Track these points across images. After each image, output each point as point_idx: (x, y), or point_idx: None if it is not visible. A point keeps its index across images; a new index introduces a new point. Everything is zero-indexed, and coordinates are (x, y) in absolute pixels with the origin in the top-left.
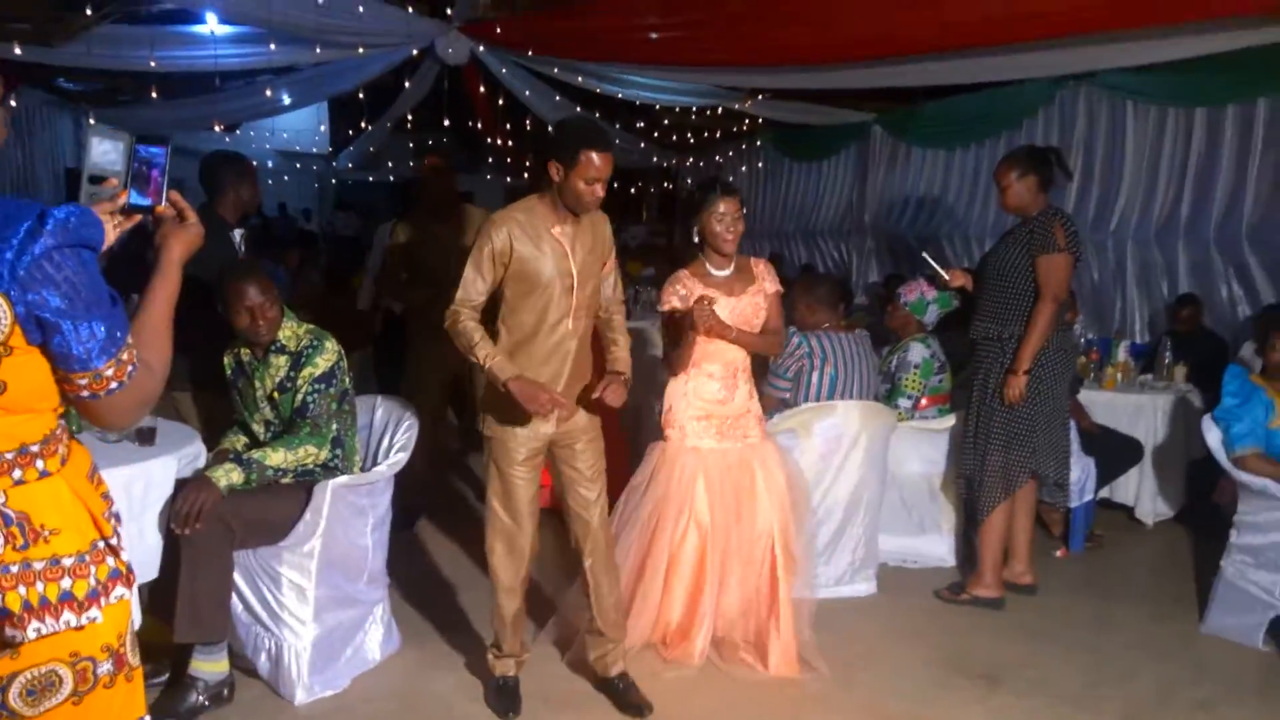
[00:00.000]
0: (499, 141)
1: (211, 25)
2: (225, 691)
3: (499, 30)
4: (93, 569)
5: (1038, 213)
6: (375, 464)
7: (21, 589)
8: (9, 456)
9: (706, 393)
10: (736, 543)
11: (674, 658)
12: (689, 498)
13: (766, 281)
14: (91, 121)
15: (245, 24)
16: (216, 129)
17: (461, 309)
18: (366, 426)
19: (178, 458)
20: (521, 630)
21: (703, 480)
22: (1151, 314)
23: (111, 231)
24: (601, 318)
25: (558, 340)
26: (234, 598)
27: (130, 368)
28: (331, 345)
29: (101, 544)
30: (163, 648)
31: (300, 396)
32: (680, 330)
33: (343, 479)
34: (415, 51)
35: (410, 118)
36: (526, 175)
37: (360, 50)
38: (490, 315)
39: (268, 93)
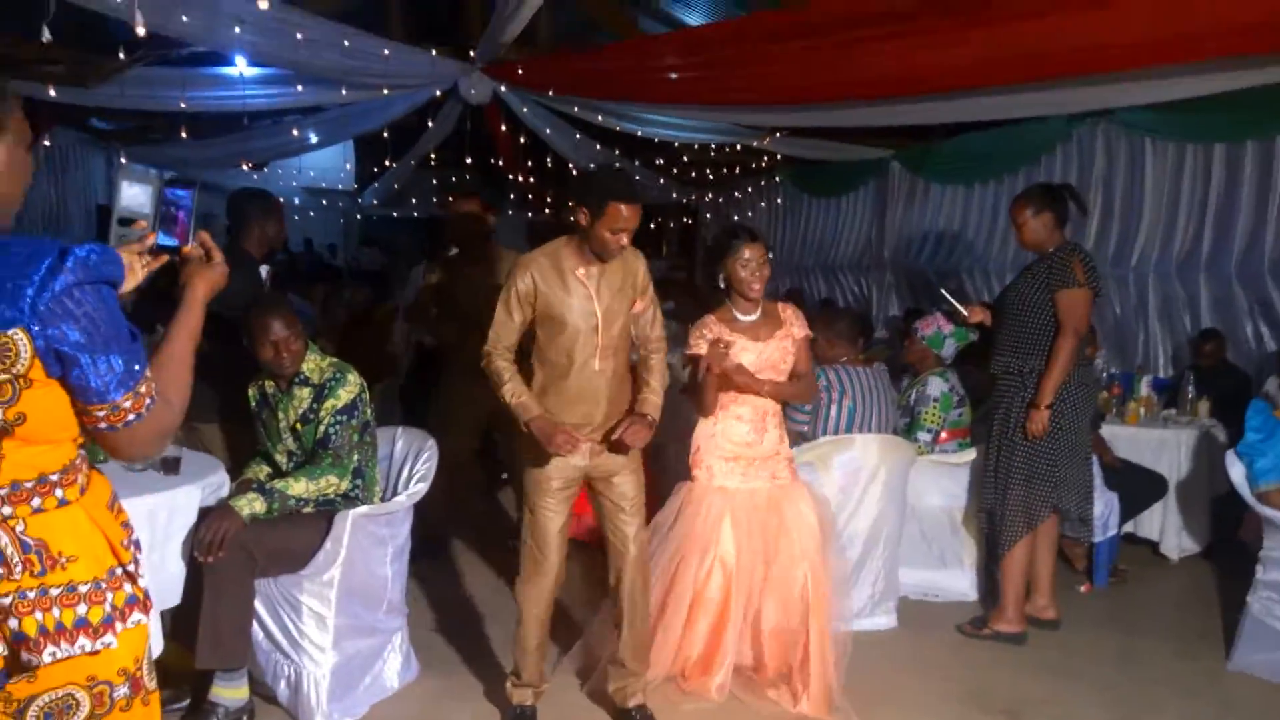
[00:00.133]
0: (520, 179)
1: (241, 67)
2: (245, 718)
3: (520, 71)
4: (109, 595)
5: (1055, 248)
6: (395, 494)
7: (38, 614)
8: (28, 485)
9: (735, 435)
10: (767, 582)
11: (693, 690)
12: (714, 538)
13: (795, 327)
14: (123, 161)
15: (274, 66)
16: (245, 167)
17: (494, 349)
18: (387, 457)
19: (201, 486)
20: (542, 661)
21: (729, 520)
22: (1174, 349)
23: (140, 271)
24: (640, 355)
25: (587, 379)
26: (254, 625)
27: (148, 400)
28: (354, 378)
29: (119, 570)
30: (184, 674)
31: (323, 428)
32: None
33: (363, 509)
34: (439, 92)
35: (434, 155)
36: (547, 211)
37: (385, 91)
38: (528, 352)
39: (295, 132)
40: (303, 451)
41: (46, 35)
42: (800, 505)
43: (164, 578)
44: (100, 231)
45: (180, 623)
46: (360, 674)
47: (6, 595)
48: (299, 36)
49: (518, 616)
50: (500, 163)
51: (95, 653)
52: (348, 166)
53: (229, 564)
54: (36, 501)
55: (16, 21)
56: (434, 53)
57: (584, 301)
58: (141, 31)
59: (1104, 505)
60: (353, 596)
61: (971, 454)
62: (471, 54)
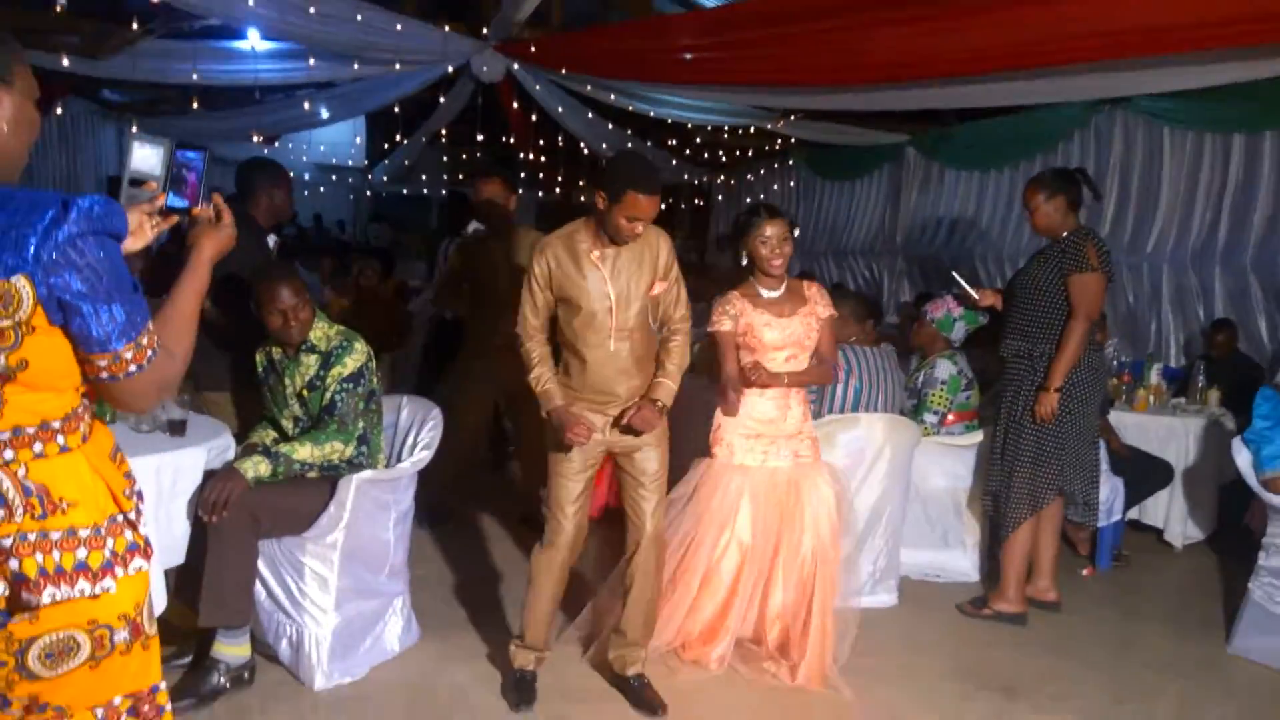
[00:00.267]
0: (531, 157)
1: (253, 41)
2: (246, 675)
3: (533, 49)
4: (109, 541)
5: (1069, 233)
6: (400, 462)
7: (39, 556)
8: (30, 431)
9: (759, 412)
10: (777, 559)
11: (693, 659)
12: (732, 516)
13: (819, 305)
14: (134, 129)
15: (286, 40)
16: (256, 139)
17: (523, 331)
18: (392, 425)
19: (207, 449)
20: (547, 628)
21: (748, 499)
22: (1187, 338)
23: (150, 231)
24: (662, 337)
25: (605, 359)
26: (257, 585)
27: (150, 352)
28: (361, 346)
29: (120, 518)
30: (187, 632)
31: (328, 395)
32: (727, 350)
33: (367, 474)
34: (451, 68)
35: (445, 132)
36: (557, 191)
37: (397, 66)
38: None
39: (306, 106)
40: (308, 417)
41: (62, 1)
42: (819, 483)
43: (169, 537)
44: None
45: (184, 581)
46: (361, 636)
47: (7, 537)
48: (312, 10)
49: (528, 578)
50: (512, 141)
51: (95, 597)
52: (358, 141)
53: (233, 524)
54: (38, 447)
55: None
56: (447, 29)
57: (599, 284)
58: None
59: (1109, 490)
60: (355, 560)
61: (977, 436)
62: (485, 31)
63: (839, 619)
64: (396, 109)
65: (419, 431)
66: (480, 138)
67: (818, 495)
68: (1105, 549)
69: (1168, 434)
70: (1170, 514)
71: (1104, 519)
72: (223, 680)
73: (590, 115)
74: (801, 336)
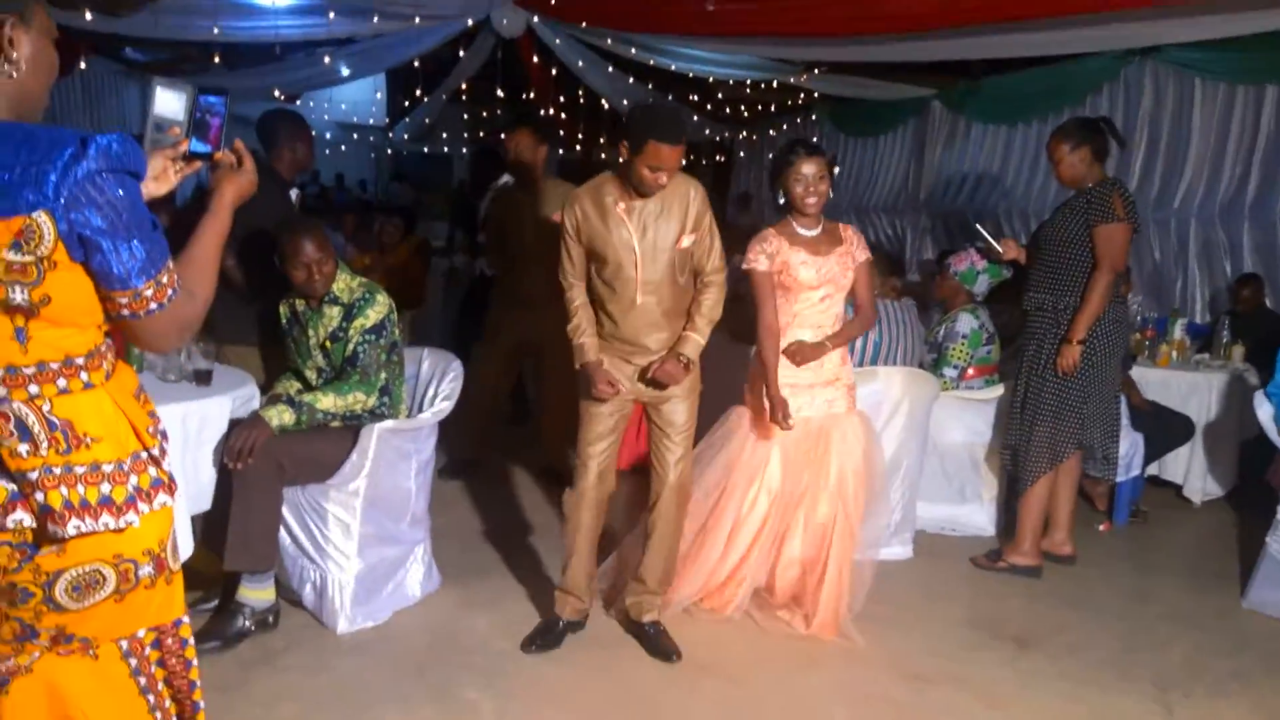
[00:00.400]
0: (552, 113)
1: None
2: (271, 618)
3: (553, 2)
4: (133, 477)
5: (1095, 183)
6: (421, 412)
7: (63, 489)
8: (54, 366)
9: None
10: (799, 509)
11: (709, 606)
12: (763, 466)
13: (856, 249)
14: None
15: None
16: (278, 96)
17: (565, 280)
18: (414, 377)
19: (232, 398)
20: (586, 576)
21: (779, 449)
22: (1213, 293)
23: (173, 176)
24: (695, 289)
25: (633, 312)
26: (282, 532)
27: (170, 291)
28: (383, 299)
29: (144, 454)
30: (213, 577)
31: (351, 346)
32: (764, 294)
33: (389, 423)
34: (471, 23)
35: (465, 89)
36: (577, 148)
37: (417, 21)
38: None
39: (326, 60)
40: (331, 368)
41: None
42: (849, 435)
43: (195, 484)
44: None
45: (211, 528)
46: (383, 581)
47: (33, 470)
48: None
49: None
50: (532, 97)
51: (119, 530)
52: (379, 97)
53: (258, 471)
54: (62, 382)
55: None
56: None
57: (624, 237)
58: None
59: (1129, 445)
60: (377, 507)
61: (997, 390)
62: None
63: (855, 571)
64: (416, 64)
65: (440, 383)
66: (500, 94)
67: (845, 448)
68: (1123, 504)
69: (1189, 389)
70: (1190, 470)
71: (1123, 474)
72: (248, 624)
73: (611, 70)
74: (838, 275)
